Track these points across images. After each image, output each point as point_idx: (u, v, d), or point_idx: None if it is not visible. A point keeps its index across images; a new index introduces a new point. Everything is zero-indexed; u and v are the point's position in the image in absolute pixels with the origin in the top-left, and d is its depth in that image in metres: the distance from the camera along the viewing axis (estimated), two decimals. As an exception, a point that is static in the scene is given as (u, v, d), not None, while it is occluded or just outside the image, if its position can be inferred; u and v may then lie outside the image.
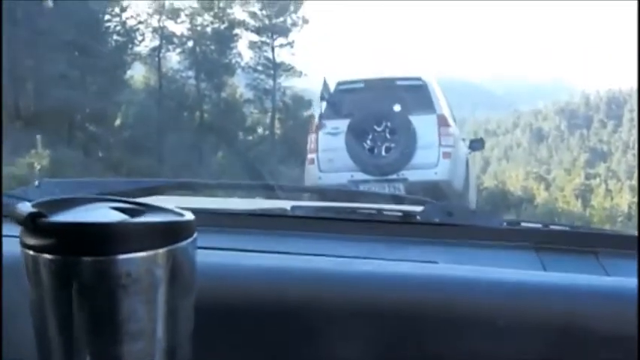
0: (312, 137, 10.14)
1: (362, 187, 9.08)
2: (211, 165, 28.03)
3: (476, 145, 12.16)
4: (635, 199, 37.10)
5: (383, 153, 9.64)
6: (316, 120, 10.36)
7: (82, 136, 23.78)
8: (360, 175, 9.41)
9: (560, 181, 58.71)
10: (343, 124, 9.64)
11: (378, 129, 9.62)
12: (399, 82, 10.48)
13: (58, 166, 18.59)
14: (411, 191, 8.83)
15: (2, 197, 1.36)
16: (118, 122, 30.22)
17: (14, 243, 0.97)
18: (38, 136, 18.64)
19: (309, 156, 10.08)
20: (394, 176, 9.44)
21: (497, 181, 49.13)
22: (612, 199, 41.30)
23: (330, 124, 9.86)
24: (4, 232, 1.13)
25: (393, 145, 9.59)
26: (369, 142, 9.63)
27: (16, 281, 0.95)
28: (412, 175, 9.35)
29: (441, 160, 9.54)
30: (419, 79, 10.52)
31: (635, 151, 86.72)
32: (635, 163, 75.04)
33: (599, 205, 31.70)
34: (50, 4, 24.07)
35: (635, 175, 59.34)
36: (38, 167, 17.97)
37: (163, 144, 28.55)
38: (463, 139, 11.37)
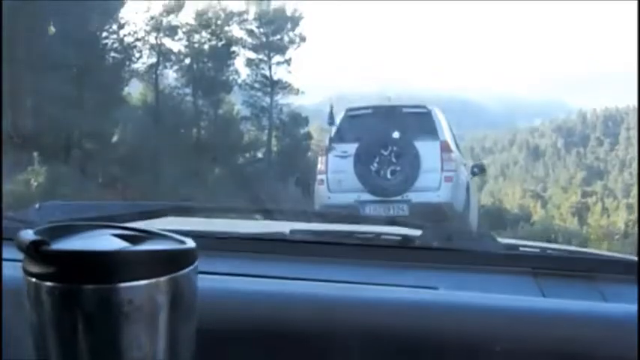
0: (322, 159, 10.79)
1: (368, 208, 9.87)
2: (208, 182, 28.03)
3: (477, 169, 12.85)
4: (632, 217, 37.13)
5: (388, 176, 10.18)
6: (326, 143, 11.06)
7: (79, 153, 23.76)
8: (366, 196, 10.03)
9: (557, 199, 58.80)
10: (352, 147, 10.24)
11: (385, 153, 10.19)
12: (404, 110, 11.23)
13: (55, 183, 18.58)
14: (414, 212, 9.55)
15: (2, 221, 1.36)
16: (115, 139, 30.21)
17: (14, 267, 0.97)
18: (35, 153, 18.65)
19: (319, 177, 10.65)
20: (399, 198, 10.03)
21: (494, 199, 49.24)
22: (609, 216, 41.35)
23: (340, 147, 10.46)
24: (5, 255, 1.13)
25: (398, 168, 10.16)
26: (375, 165, 10.18)
27: (16, 306, 0.96)
28: (416, 197, 9.95)
29: (443, 183, 10.12)
30: (424, 107, 11.16)
31: (632, 169, 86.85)
32: (634, 182, 75.19)
33: (595, 224, 31.73)
34: (52, 30, 24.15)
35: (633, 192, 59.41)
36: (35, 184, 17.97)
37: (160, 161, 28.52)
38: (464, 164, 11.92)
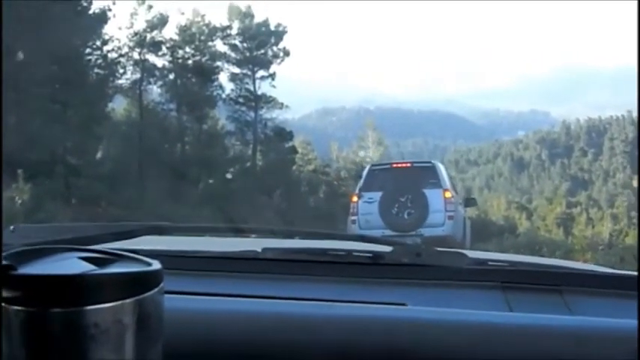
0: (353, 205, 13.91)
1: None
2: (193, 197, 27.95)
3: (468, 202, 16.92)
4: (617, 227, 37.25)
5: (405, 216, 13.31)
6: (357, 191, 14.13)
7: (64, 170, 23.63)
8: (389, 232, 12.73)
9: (542, 210, 58.91)
10: (377, 195, 13.39)
11: (402, 199, 13.34)
12: (415, 165, 14.98)
13: (39, 200, 18.49)
14: (425, 243, 11.31)
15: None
16: (99, 155, 30.09)
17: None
18: (19, 170, 18.56)
19: (352, 217, 13.75)
20: (413, 233, 12.87)
21: (480, 211, 49.23)
22: (593, 227, 41.50)
23: (367, 195, 13.60)
24: None
25: (412, 211, 13.26)
26: (395, 208, 13.32)
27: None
28: (426, 231, 12.84)
29: (446, 221, 13.16)
30: (429, 162, 15.13)
31: (616, 180, 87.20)
32: (617, 192, 75.47)
33: (580, 234, 31.83)
34: (21, 56, 24.02)
35: (617, 202, 59.60)
36: (19, 201, 17.87)
37: (145, 176, 28.44)
38: (460, 203, 15.03)
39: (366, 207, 13.45)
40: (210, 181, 33.05)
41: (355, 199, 13.90)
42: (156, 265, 0.96)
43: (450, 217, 13.23)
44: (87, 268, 0.94)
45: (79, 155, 27.08)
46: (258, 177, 36.54)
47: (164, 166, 29.63)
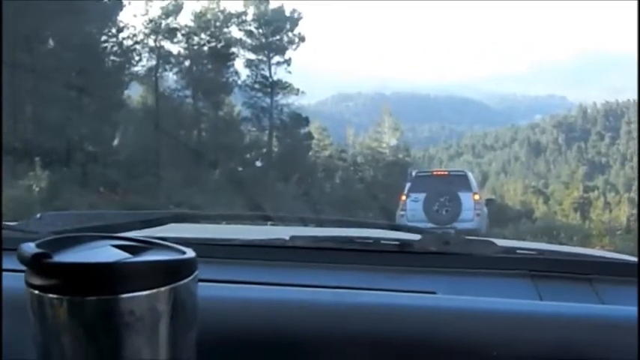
0: (402, 203, 17.17)
1: None
2: (210, 183, 28.01)
3: (489, 202, 19.62)
4: (634, 211, 37.01)
5: (443, 212, 16.44)
6: (405, 192, 17.30)
7: (81, 157, 23.71)
8: (430, 225, 14.97)
9: (559, 194, 58.69)
10: (421, 196, 16.59)
11: (441, 199, 16.54)
12: (451, 173, 18.73)
13: (56, 187, 18.57)
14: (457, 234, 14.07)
15: (2, 231, 1.37)
16: (115, 142, 30.18)
17: (14, 278, 0.98)
18: (37, 158, 18.65)
19: (401, 212, 17.00)
20: (449, 226, 15.52)
21: (496, 196, 49.10)
22: (611, 211, 41.32)
23: (413, 195, 16.84)
24: (5, 265, 1.14)
25: (449, 208, 16.47)
26: (436, 206, 16.50)
27: (18, 317, 0.97)
28: (459, 225, 15.67)
29: (475, 217, 16.37)
30: (462, 171, 19.09)
31: (634, 163, 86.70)
32: (635, 175, 74.97)
33: (597, 218, 31.70)
34: (37, 45, 24.08)
35: (634, 187, 59.27)
36: (37, 189, 17.97)
37: (162, 163, 28.49)
38: (484, 202, 18.26)
39: (412, 204, 16.76)
40: (227, 166, 33.08)
41: (404, 198, 17.24)
42: (190, 253, 0.96)
43: (478, 215, 16.49)
44: (121, 256, 0.94)
45: (95, 142, 27.17)
46: (275, 163, 36.56)
47: (180, 152, 29.71)
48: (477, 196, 17.09)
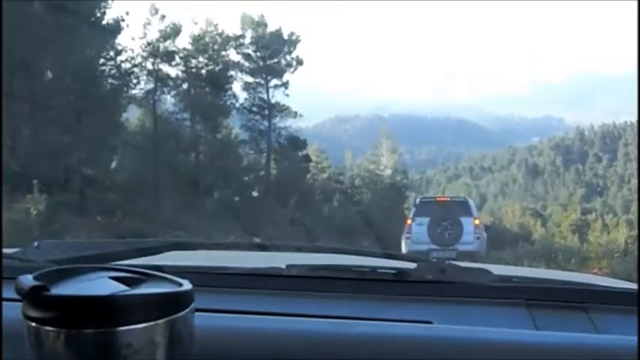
0: (407, 226, 18.10)
1: (434, 253, 16.36)
2: (208, 207, 27.97)
3: (487, 228, 20.64)
4: (632, 233, 36.99)
5: (446, 235, 17.17)
6: (411, 216, 18.36)
7: (79, 180, 23.65)
8: (433, 246, 16.79)
9: (557, 216, 58.56)
10: (426, 220, 17.36)
11: (444, 223, 17.28)
12: (453, 199, 20.39)
13: (54, 211, 18.52)
14: (458, 256, 15.69)
15: (2, 260, 1.37)
16: (113, 165, 30.15)
17: (12, 307, 0.99)
18: (34, 182, 18.60)
19: (407, 235, 17.91)
20: (451, 248, 16.73)
21: (494, 218, 49.09)
22: (609, 233, 41.18)
23: (418, 219, 17.65)
24: (4, 294, 1.14)
25: (451, 232, 17.21)
26: (439, 229, 17.20)
27: (16, 346, 0.97)
28: (460, 247, 16.80)
29: (475, 240, 17.30)
30: (464, 198, 21.78)
31: (632, 185, 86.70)
32: (633, 197, 74.98)
33: (595, 241, 31.58)
34: (35, 69, 24.10)
35: (632, 208, 59.26)
36: (35, 212, 17.91)
37: (159, 186, 28.47)
38: (483, 227, 19.28)
39: (417, 228, 17.73)
40: (225, 190, 33.05)
41: (409, 221, 18.28)
42: (186, 285, 0.97)
43: (477, 238, 17.53)
44: (118, 288, 0.95)
45: (93, 166, 27.13)
46: (272, 186, 36.56)
47: (178, 175, 29.69)
48: (477, 221, 18.18)
